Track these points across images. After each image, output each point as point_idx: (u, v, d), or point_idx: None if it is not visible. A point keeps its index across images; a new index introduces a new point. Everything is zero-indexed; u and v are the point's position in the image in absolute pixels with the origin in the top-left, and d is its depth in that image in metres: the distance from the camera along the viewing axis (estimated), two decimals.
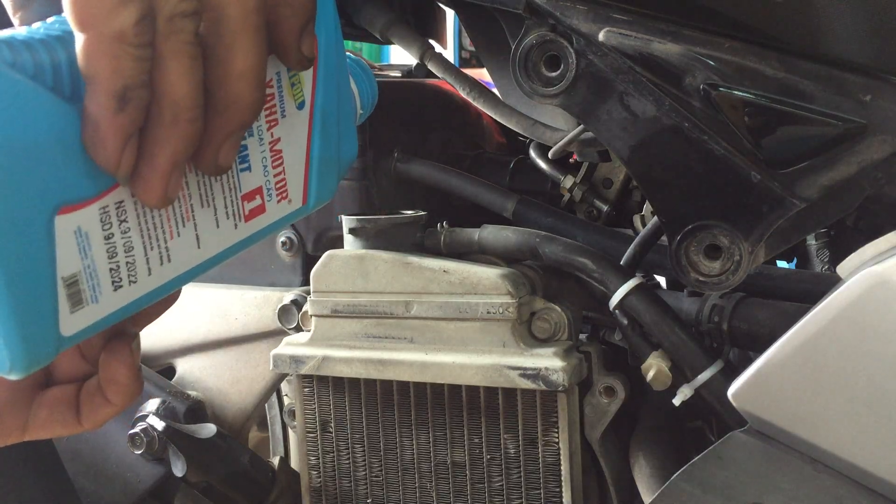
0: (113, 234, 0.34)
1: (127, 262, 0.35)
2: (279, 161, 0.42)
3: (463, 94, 0.98)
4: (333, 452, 0.88)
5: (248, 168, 0.40)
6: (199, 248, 0.39)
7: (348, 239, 0.87)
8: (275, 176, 0.42)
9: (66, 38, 0.33)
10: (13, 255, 0.30)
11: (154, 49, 0.33)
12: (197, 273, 0.39)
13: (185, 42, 0.33)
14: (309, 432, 0.88)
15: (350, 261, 0.84)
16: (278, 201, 0.43)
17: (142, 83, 0.33)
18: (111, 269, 0.34)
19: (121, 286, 0.35)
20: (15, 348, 0.31)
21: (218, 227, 0.39)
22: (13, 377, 0.32)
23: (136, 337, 0.42)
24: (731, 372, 0.70)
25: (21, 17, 0.36)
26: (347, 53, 0.47)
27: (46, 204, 0.32)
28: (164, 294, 0.38)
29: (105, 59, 0.32)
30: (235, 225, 0.40)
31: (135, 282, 0.36)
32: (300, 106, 0.42)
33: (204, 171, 0.37)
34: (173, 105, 0.33)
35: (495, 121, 0.99)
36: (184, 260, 0.38)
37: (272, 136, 0.41)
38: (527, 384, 0.76)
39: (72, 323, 0.33)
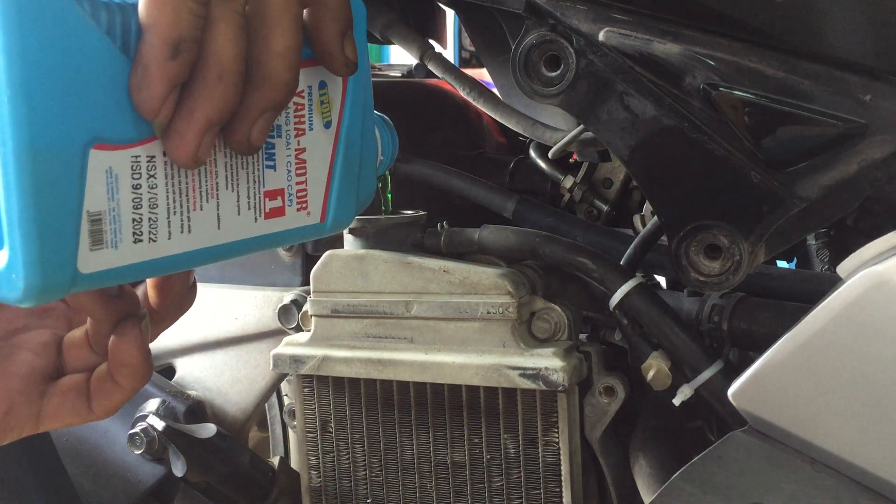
0: (140, 186, 0.36)
1: (149, 218, 0.36)
2: (302, 170, 0.44)
3: (463, 94, 0.98)
4: (333, 452, 0.88)
5: (274, 167, 0.42)
6: (219, 228, 0.40)
7: (348, 239, 0.87)
8: (297, 183, 0.44)
9: (123, 5, 0.35)
10: (46, 178, 0.32)
11: (209, 11, 0.35)
12: (212, 257, 0.40)
13: (234, 11, 0.35)
14: (309, 432, 0.88)
15: (350, 261, 0.84)
16: (298, 210, 0.44)
17: (194, 38, 0.34)
18: (134, 220, 0.36)
19: (140, 240, 0.36)
20: (32, 274, 0.32)
21: (239, 214, 0.41)
22: (25, 304, 0.33)
23: (146, 318, 0.42)
24: (731, 372, 0.70)
25: None
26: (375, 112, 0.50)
27: (84, 134, 0.33)
28: (179, 268, 0.39)
29: (165, 9, 0.34)
30: (255, 218, 0.42)
31: (154, 241, 0.37)
32: (327, 125, 0.45)
33: (235, 146, 0.38)
34: (219, 65, 0.35)
35: (495, 121, 1.00)
36: (203, 236, 0.39)
37: (298, 143, 0.43)
38: (527, 384, 0.76)
39: (89, 261, 0.34)
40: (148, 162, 0.36)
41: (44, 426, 0.43)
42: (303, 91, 0.43)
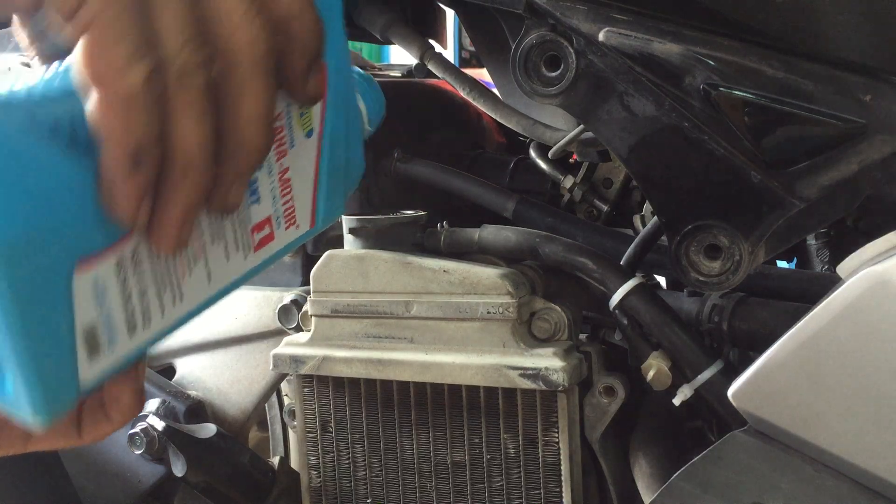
0: (128, 280, 0.35)
1: (142, 307, 0.35)
2: (288, 190, 0.42)
3: (463, 94, 0.98)
4: (333, 452, 0.88)
5: (258, 200, 0.40)
6: (209, 282, 0.39)
7: (348, 239, 0.87)
8: (283, 204, 0.42)
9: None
10: (35, 312, 0.31)
11: (165, 101, 0.33)
12: (207, 306, 0.40)
13: (195, 95, 0.33)
14: (309, 432, 0.88)
15: (350, 261, 0.84)
16: (286, 228, 0.43)
17: (155, 140, 0.33)
18: (126, 315, 0.35)
19: (135, 328, 0.35)
20: (37, 398, 0.32)
21: (228, 260, 0.39)
22: (39, 427, 0.33)
23: (143, 358, 0.42)
24: (731, 372, 0.70)
25: (37, 48, 0.36)
26: (353, 68, 0.47)
27: (66, 261, 0.32)
28: (176, 329, 0.38)
29: (117, 117, 0.32)
30: (245, 256, 0.40)
31: (149, 324, 0.36)
32: (309, 134, 0.42)
33: (214, 212, 0.37)
34: (185, 156, 0.33)
35: (495, 121, 1.00)
36: (195, 296, 0.38)
37: (281, 166, 0.41)
38: (527, 384, 0.76)
39: (90, 370, 0.34)
40: (132, 256, 0.35)
41: (33, 446, 0.43)
42: (280, 113, 0.40)
